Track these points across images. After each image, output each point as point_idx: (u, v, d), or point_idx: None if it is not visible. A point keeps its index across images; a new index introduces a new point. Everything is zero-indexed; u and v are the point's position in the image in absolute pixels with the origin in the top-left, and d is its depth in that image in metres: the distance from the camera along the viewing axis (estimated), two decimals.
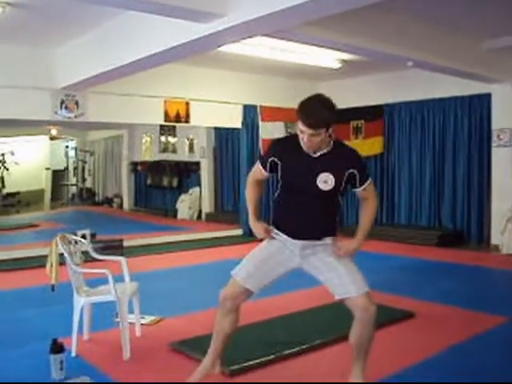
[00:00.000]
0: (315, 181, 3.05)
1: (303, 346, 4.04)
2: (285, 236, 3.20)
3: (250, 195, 3.38)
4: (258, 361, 3.76)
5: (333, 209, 3.22)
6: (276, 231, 3.24)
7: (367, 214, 3.26)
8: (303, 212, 3.16)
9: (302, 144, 3.05)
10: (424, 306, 5.19)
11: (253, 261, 3.25)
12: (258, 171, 3.33)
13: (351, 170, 3.08)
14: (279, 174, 3.17)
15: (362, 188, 3.17)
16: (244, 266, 3.24)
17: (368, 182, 3.19)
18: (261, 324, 4.66)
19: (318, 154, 3.08)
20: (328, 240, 3.19)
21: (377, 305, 3.08)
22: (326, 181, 3.04)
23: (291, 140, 3.17)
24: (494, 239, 8.41)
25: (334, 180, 3.05)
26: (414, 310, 5.01)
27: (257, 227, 3.24)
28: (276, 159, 3.15)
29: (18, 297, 5.87)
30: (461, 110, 9.05)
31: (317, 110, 2.94)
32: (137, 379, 3.56)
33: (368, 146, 10.20)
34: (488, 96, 8.49)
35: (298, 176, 3.11)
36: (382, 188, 10.28)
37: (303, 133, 2.97)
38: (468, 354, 4.02)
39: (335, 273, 3.12)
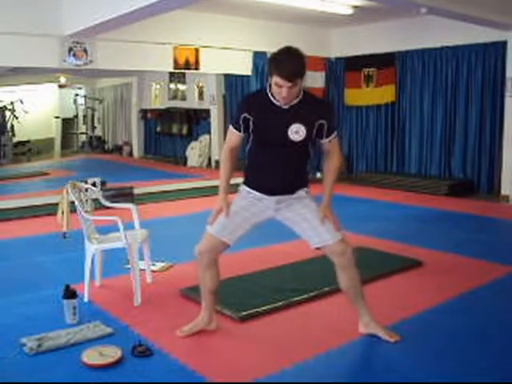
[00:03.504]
0: (287, 132, 3.07)
1: (311, 294, 4.09)
2: (259, 194, 3.24)
3: (223, 169, 3.33)
4: (266, 307, 3.83)
5: (304, 161, 3.26)
6: (248, 190, 3.28)
7: (331, 174, 3.28)
8: (276, 167, 3.19)
9: (276, 97, 3.04)
10: (433, 255, 5.21)
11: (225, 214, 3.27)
12: (233, 136, 3.27)
13: (321, 121, 3.11)
14: (251, 128, 3.15)
15: (328, 140, 3.20)
16: (217, 220, 3.28)
17: (334, 134, 3.22)
18: (270, 271, 4.71)
19: (289, 105, 3.08)
20: (301, 192, 3.26)
21: (352, 247, 3.26)
22: (297, 131, 3.07)
23: (260, 94, 3.18)
24: (504, 190, 8.38)
25: (305, 130, 3.07)
26: (423, 258, 5.04)
27: (222, 206, 3.25)
28: (247, 114, 3.12)
29: (31, 244, 5.95)
30: (475, 58, 8.83)
31: (291, 62, 2.94)
32: (147, 324, 3.63)
33: (379, 94, 10.10)
34: (503, 44, 8.27)
35: (270, 128, 3.11)
36: (393, 137, 10.20)
37: (281, 86, 2.95)
38: (476, 301, 4.06)
39: (309, 223, 3.21)
